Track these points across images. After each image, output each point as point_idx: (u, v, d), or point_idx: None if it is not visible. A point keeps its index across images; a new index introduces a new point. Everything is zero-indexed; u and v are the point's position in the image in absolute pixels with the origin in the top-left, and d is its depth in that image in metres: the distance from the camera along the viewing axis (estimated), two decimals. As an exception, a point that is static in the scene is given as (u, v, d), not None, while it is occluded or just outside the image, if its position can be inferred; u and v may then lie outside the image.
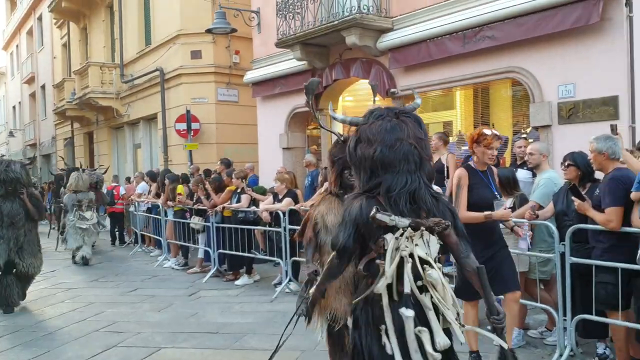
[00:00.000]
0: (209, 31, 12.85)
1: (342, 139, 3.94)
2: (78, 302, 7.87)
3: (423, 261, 2.58)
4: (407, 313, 2.51)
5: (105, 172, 12.94)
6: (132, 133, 19.56)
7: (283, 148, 12.33)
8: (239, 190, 8.94)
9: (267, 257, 8.65)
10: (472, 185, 4.45)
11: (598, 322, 4.68)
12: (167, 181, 10.81)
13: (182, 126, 14.59)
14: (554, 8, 7.17)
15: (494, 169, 4.87)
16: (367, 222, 2.59)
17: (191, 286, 8.64)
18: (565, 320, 4.88)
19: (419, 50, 8.96)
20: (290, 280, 7.93)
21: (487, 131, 4.43)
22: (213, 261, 9.28)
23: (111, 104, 18.84)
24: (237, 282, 8.65)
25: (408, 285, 2.54)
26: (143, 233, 12.61)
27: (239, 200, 8.85)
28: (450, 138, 9.36)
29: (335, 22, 9.60)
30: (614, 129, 5.02)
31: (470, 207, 4.42)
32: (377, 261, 2.63)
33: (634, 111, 6.78)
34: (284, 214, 7.84)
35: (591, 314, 4.65)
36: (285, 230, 7.83)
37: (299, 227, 8.12)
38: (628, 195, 4.32)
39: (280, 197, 8.25)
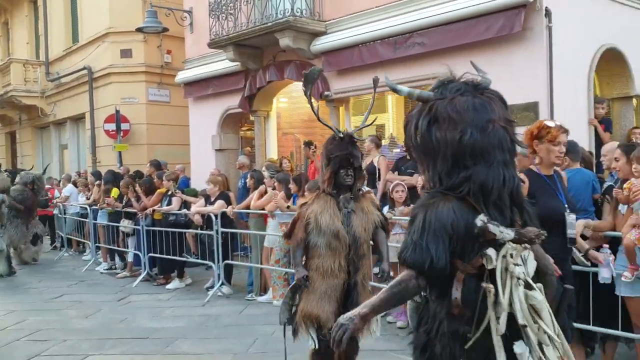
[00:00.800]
0: (139, 30, 12.56)
1: (340, 135, 3.73)
2: (-2, 310, 7.51)
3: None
4: (518, 349, 1.98)
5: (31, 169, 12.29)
6: (59, 133, 18.81)
7: (215, 149, 12.20)
8: (169, 193, 8.79)
9: (199, 261, 8.54)
10: (533, 193, 3.38)
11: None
12: (99, 181, 10.46)
13: (112, 126, 14.17)
14: (480, 17, 7.44)
15: (563, 174, 3.95)
16: (466, 233, 1.99)
17: (121, 291, 8.41)
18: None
19: (352, 54, 9.08)
20: (222, 283, 7.87)
21: (550, 122, 3.61)
22: (143, 265, 9.07)
23: (36, 102, 18.04)
24: (168, 286, 8.50)
25: (522, 315, 1.98)
26: (69, 237, 12.17)
27: (169, 203, 8.70)
28: (383, 141, 9.55)
29: (269, 24, 9.59)
30: None
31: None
32: (484, 285, 2.00)
33: (552, 117, 7.15)
34: (216, 216, 7.77)
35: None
36: (217, 233, 7.76)
37: (231, 230, 8.14)
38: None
39: (212, 199, 8.16)
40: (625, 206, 4.17)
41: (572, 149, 4.63)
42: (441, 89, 2.20)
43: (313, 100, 3.92)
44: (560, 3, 7.28)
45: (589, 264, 4.23)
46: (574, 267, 4.31)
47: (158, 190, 9.00)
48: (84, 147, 16.64)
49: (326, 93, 9.64)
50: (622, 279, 4.09)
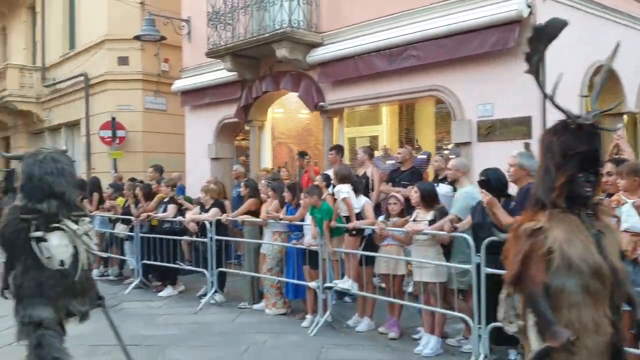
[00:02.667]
0: (137, 38, 12.63)
1: (582, 121, 2.54)
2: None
3: None
4: None
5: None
6: (54, 139, 18.76)
7: (211, 158, 12.25)
8: (166, 199, 8.81)
9: (193, 268, 8.54)
10: None
11: (509, 330, 4.96)
12: (109, 189, 10.39)
13: (107, 133, 14.21)
14: (473, 32, 7.56)
15: None
16: None
17: (113, 298, 8.38)
18: (480, 328, 5.13)
19: (347, 65, 9.18)
20: (215, 291, 7.87)
21: None
22: (136, 272, 9.07)
23: (31, 108, 18.04)
24: (160, 294, 8.50)
25: None
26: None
27: (165, 210, 8.72)
28: (376, 152, 9.63)
29: (266, 35, 9.69)
30: (527, 146, 5.37)
31: None
32: None
33: (545, 131, 7.25)
34: (210, 224, 7.79)
35: (503, 321, 4.92)
36: (211, 240, 7.78)
37: (224, 238, 8.15)
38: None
39: (206, 207, 8.20)
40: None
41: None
42: None
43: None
44: (554, 20, 7.40)
45: None
46: None
47: (158, 195, 9.02)
48: (79, 154, 16.64)
49: (321, 104, 9.72)
50: None
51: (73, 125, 17.05)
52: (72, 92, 16.38)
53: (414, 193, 5.91)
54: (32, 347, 4.19)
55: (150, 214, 8.80)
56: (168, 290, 8.54)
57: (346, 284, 6.29)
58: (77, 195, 4.36)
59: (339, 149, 8.56)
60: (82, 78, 15.47)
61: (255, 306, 7.55)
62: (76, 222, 4.15)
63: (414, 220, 5.86)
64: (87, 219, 4.33)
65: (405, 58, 8.38)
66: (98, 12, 15.08)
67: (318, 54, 9.63)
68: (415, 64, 8.28)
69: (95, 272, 10.18)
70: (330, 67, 9.49)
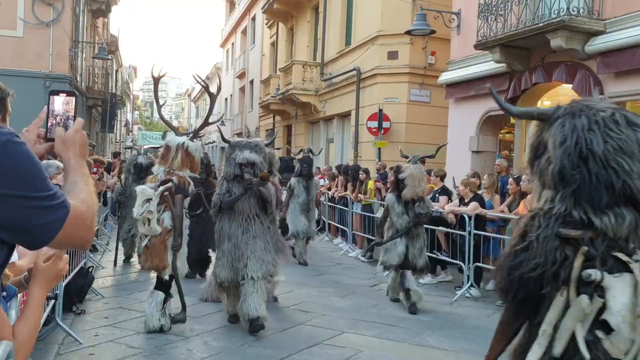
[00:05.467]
0: (408, 32, 13.08)
1: None
2: (271, 280, 8.61)
3: None
4: None
5: None
6: (327, 128, 20.62)
7: (472, 151, 12.14)
8: (438, 190, 9.12)
9: (449, 260, 8.63)
10: None
11: None
12: (362, 175, 11.30)
13: (374, 124, 15.06)
14: None
15: None
16: None
17: (373, 278, 8.95)
18: None
19: (635, 54, 8.24)
20: (471, 285, 7.85)
21: None
22: (395, 257, 9.51)
23: (310, 100, 20.04)
24: (420, 280, 8.76)
25: None
26: (331, 222, 13.32)
27: (432, 199, 8.97)
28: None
29: (540, 25, 9.22)
30: None
31: None
32: None
33: None
34: (469, 217, 7.78)
35: None
36: (469, 234, 7.76)
37: (483, 233, 8.04)
38: None
39: (466, 200, 8.21)
40: None
41: None
42: None
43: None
44: None
45: None
46: None
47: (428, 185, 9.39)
48: (348, 142, 17.98)
49: (600, 96, 8.89)
50: None
51: (344, 116, 18.48)
52: (345, 85, 17.75)
53: None
54: None
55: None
56: (428, 278, 8.78)
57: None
58: None
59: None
60: (354, 72, 16.65)
61: (510, 306, 7.30)
62: None
63: None
64: None
65: None
66: (373, 10, 16.02)
67: (599, 43, 8.83)
68: None
69: (357, 252, 10.97)
70: (614, 56, 8.64)
